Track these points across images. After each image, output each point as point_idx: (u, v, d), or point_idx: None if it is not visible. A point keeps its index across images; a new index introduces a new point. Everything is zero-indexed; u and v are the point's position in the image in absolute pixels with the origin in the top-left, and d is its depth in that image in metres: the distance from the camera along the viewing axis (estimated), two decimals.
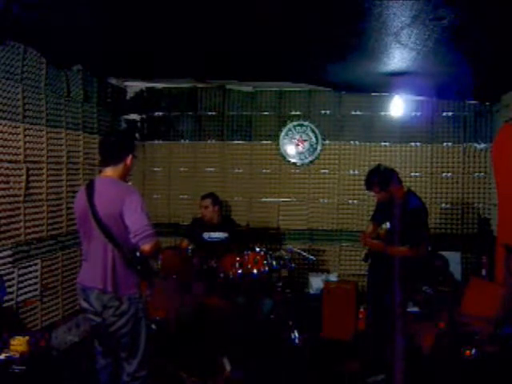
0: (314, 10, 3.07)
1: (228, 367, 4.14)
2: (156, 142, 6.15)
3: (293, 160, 5.96)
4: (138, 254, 2.93)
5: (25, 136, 4.11)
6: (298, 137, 5.93)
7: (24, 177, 4.09)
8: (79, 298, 3.07)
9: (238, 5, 3.01)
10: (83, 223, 3.00)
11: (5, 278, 3.81)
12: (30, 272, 4.20)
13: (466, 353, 4.03)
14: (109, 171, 3.04)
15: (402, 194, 4.03)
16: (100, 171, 3.20)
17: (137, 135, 6.10)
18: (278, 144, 5.96)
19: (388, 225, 4.13)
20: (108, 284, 2.89)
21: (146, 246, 2.85)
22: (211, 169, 6.08)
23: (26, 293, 4.14)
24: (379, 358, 4.07)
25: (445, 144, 5.77)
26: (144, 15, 3.27)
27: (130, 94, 6.10)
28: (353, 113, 5.88)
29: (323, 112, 5.92)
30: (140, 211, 2.86)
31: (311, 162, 5.94)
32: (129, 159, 3.05)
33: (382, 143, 5.85)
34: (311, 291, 5.66)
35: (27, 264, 4.16)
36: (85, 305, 3.01)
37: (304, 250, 5.42)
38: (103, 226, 2.88)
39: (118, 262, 2.91)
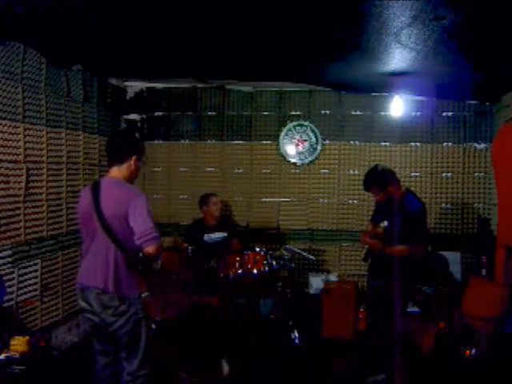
0: (314, 10, 3.07)
1: (226, 369, 4.14)
2: (156, 141, 6.14)
3: (293, 160, 5.96)
4: (140, 254, 2.95)
5: (25, 136, 4.10)
6: (297, 137, 5.92)
7: (24, 177, 4.09)
8: (78, 298, 3.07)
9: (238, 4, 3.01)
10: (87, 223, 3.00)
11: (5, 277, 3.81)
12: (30, 272, 4.20)
13: (465, 353, 4.04)
14: (114, 172, 3.05)
15: (400, 193, 4.02)
16: (105, 171, 3.21)
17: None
18: (277, 144, 5.96)
19: (386, 223, 4.13)
20: (109, 284, 2.89)
21: (150, 249, 2.87)
22: (211, 169, 6.08)
23: (25, 293, 4.13)
24: (379, 358, 4.07)
25: (445, 144, 5.77)
26: (144, 15, 3.28)
27: (129, 94, 6.10)
28: (353, 113, 5.88)
29: (323, 112, 5.92)
30: (145, 214, 2.87)
31: (311, 161, 5.94)
32: (133, 160, 3.04)
33: (382, 143, 5.85)
34: (311, 291, 5.66)
35: (27, 264, 4.16)
36: (83, 304, 3.00)
37: (304, 250, 5.43)
38: (107, 227, 2.89)
39: (121, 262, 2.92)
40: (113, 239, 2.89)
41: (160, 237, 2.93)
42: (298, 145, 5.93)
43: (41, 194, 4.34)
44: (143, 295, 3.06)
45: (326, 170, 5.94)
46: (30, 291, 4.19)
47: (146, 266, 3.03)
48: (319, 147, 5.90)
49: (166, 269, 4.28)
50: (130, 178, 3.08)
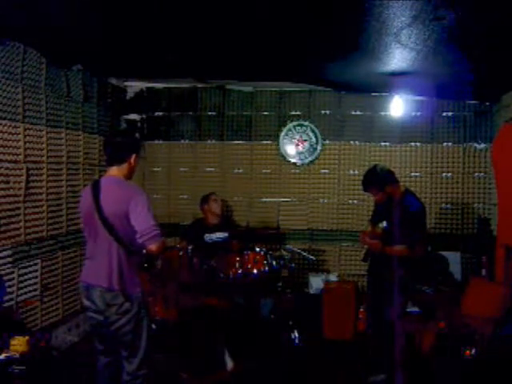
0: (314, 10, 3.07)
1: (230, 364, 4.12)
2: (156, 141, 6.15)
3: (293, 160, 5.96)
4: (144, 251, 2.99)
5: (25, 136, 4.11)
6: (298, 137, 5.93)
7: (24, 177, 4.09)
8: (81, 297, 3.07)
9: (238, 4, 3.01)
10: (89, 222, 3.01)
11: (5, 277, 3.81)
12: (30, 272, 4.20)
13: (465, 353, 4.03)
14: (114, 171, 3.06)
15: (399, 193, 4.02)
16: (104, 171, 3.22)
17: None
18: (277, 144, 5.96)
19: (384, 224, 4.13)
20: (114, 282, 2.90)
21: (153, 246, 2.89)
22: (211, 169, 6.08)
23: (26, 293, 4.14)
24: (379, 358, 4.07)
25: (445, 144, 5.77)
26: (144, 15, 3.28)
27: (129, 94, 6.10)
28: (353, 113, 5.88)
29: (323, 112, 5.92)
30: (146, 212, 2.89)
31: (311, 161, 5.94)
32: (133, 159, 3.08)
33: (382, 143, 5.85)
34: (311, 291, 5.65)
35: (27, 264, 4.16)
36: (87, 303, 3.01)
37: (304, 250, 5.43)
38: (109, 225, 2.90)
39: (124, 260, 2.94)
40: (115, 237, 2.91)
41: (162, 234, 2.94)
42: (297, 145, 5.93)
43: (41, 194, 4.34)
44: (145, 294, 3.07)
45: (326, 170, 5.94)
46: (30, 291, 4.19)
47: (150, 264, 3.04)
48: (319, 147, 5.90)
49: (165, 269, 4.29)
50: (130, 176, 3.12)
